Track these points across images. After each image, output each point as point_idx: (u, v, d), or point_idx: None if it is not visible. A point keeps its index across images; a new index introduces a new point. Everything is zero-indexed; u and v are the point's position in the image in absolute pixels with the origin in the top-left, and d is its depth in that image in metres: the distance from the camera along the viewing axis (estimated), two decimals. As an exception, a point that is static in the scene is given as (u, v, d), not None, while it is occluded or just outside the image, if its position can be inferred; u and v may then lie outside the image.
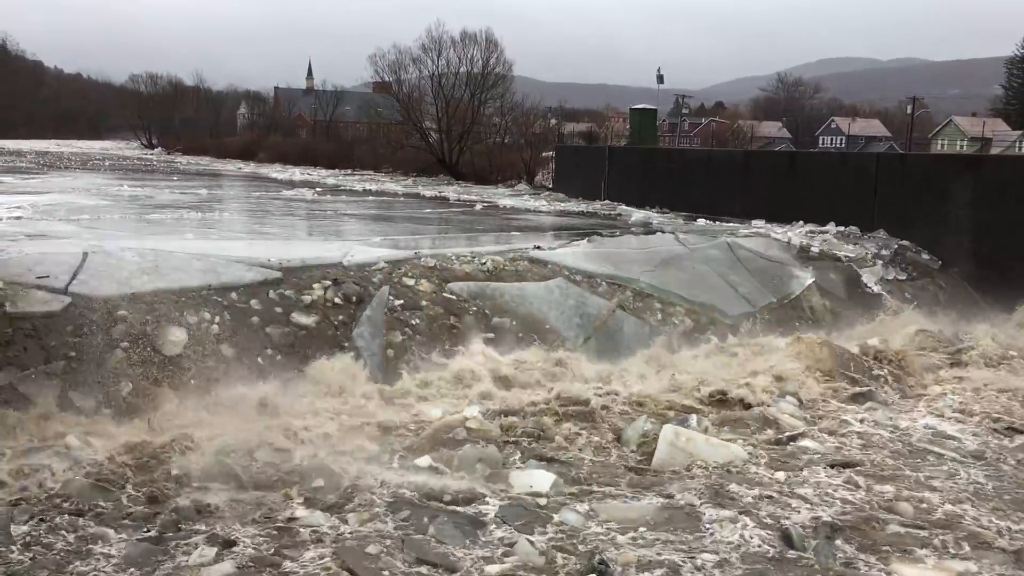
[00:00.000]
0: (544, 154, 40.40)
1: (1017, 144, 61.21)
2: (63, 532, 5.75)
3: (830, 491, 6.96)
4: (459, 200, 27.19)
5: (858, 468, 7.51)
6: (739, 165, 23.87)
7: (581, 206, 25.38)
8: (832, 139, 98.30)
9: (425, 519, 6.14)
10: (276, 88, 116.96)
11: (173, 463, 6.82)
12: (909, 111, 65.45)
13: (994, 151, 50.18)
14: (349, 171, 48.85)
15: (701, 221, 20.73)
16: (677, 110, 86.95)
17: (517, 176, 39.73)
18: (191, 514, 6.08)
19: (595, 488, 6.91)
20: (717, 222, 20.36)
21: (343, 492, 6.51)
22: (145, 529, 5.87)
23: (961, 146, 74.47)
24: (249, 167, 53.04)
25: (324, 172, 47.14)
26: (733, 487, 6.93)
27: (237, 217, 18.90)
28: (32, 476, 6.50)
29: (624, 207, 24.36)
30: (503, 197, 29.30)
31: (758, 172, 22.75)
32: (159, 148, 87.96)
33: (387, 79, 52.32)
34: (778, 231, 17.39)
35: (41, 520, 5.87)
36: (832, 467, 7.52)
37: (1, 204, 18.19)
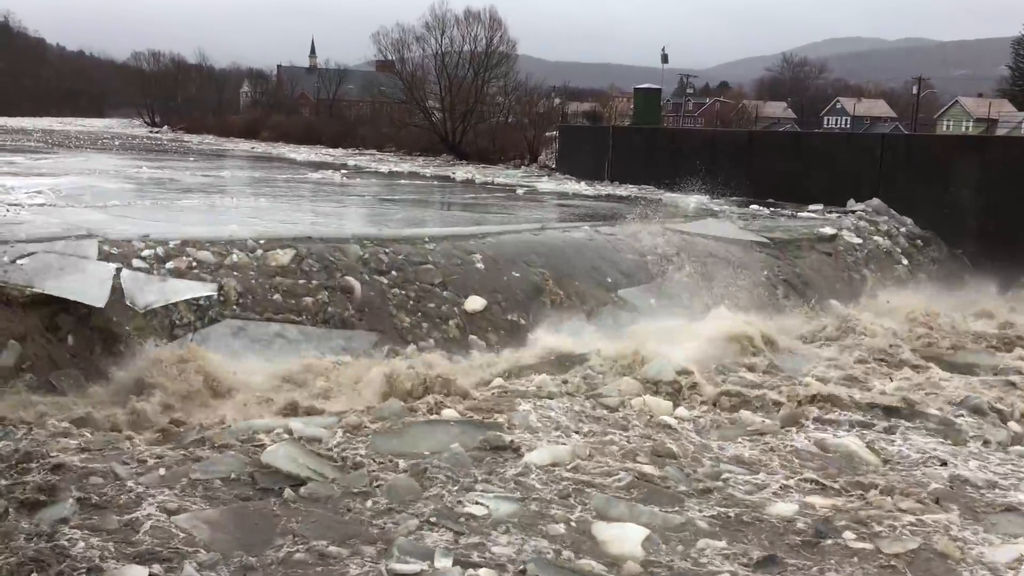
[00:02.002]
0: (547, 134, 40.29)
1: (1023, 125, 60.87)
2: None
3: None
4: (492, 184, 26.32)
5: None
6: (743, 146, 23.81)
7: (619, 190, 24.41)
8: (837, 119, 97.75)
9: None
10: (279, 66, 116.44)
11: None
12: (915, 92, 65.05)
13: (1000, 132, 49.91)
14: (354, 150, 48.80)
15: (754, 207, 19.64)
16: (681, 90, 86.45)
17: (520, 156, 39.63)
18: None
19: None
20: (772, 209, 19.21)
21: None
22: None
23: (967, 127, 74.02)
24: (260, 147, 52.91)
25: (336, 152, 47.06)
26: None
27: (289, 205, 17.13)
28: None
29: (668, 193, 22.82)
30: (525, 179, 28.88)
31: (762, 153, 22.70)
32: (166, 127, 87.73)
33: (390, 58, 52.18)
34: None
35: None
36: None
37: (19, 188, 16.85)
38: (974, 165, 17.13)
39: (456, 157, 42.38)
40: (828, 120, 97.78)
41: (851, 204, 18.82)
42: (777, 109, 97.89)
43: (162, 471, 6.75)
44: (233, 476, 6.74)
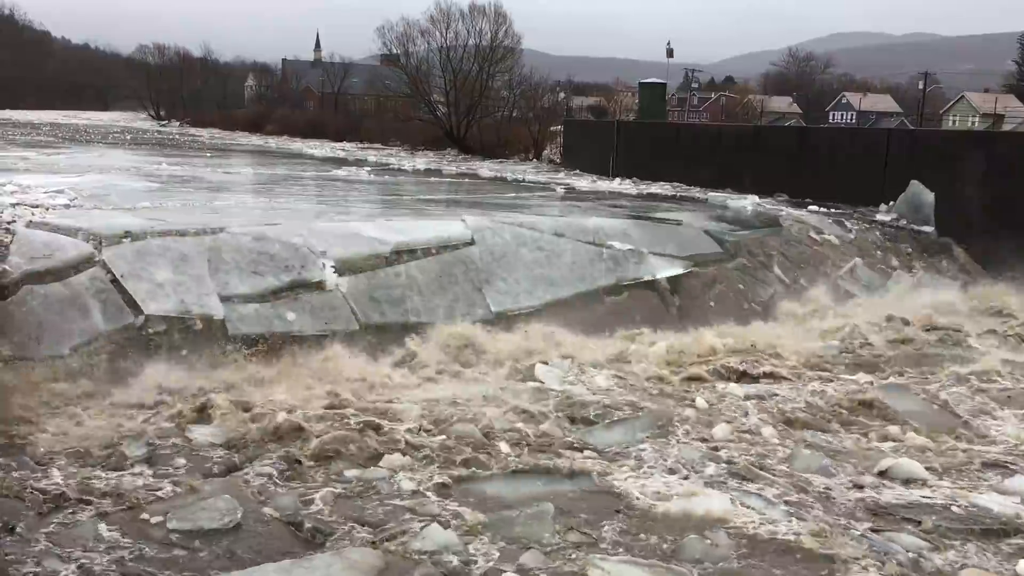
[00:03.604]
0: (552, 128, 40.23)
1: (1029, 121, 60.62)
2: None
3: None
4: (524, 181, 25.15)
5: None
6: (749, 141, 23.74)
7: (653, 188, 23.07)
8: (843, 114, 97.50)
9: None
10: (284, 60, 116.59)
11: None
12: (921, 87, 64.95)
13: (1006, 127, 49.79)
14: (359, 144, 48.85)
15: (813, 208, 18.17)
16: (687, 84, 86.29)
17: (525, 150, 39.57)
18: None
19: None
20: (832, 208, 18.01)
21: None
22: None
23: (973, 122, 73.81)
24: (272, 141, 52.66)
25: (343, 146, 46.96)
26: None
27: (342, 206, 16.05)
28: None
29: (713, 193, 21.27)
30: (542, 173, 28.35)
31: (768, 148, 22.63)
32: (177, 122, 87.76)
33: (395, 52, 52.19)
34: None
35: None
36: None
37: (38, 187, 15.09)
38: (981, 160, 17.07)
39: (460, 151, 42.36)
40: (834, 115, 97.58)
41: (890, 205, 18.15)
42: (783, 104, 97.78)
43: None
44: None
